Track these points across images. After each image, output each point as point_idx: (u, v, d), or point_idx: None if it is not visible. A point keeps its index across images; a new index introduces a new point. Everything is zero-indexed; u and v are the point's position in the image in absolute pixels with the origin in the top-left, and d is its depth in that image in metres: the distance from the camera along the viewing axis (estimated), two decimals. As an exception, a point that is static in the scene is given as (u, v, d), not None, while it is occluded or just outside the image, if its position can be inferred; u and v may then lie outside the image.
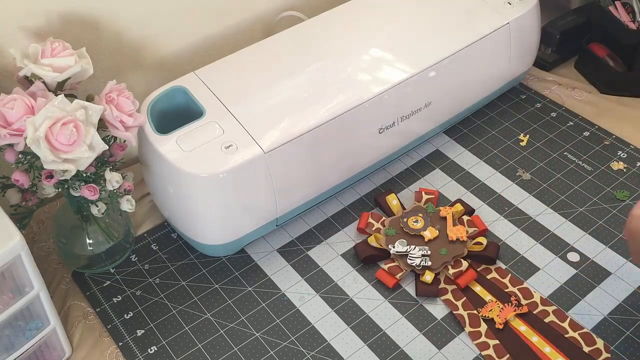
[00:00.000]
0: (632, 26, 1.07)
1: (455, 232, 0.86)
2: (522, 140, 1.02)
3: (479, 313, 0.79)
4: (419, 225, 0.87)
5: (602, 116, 1.05)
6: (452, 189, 0.95)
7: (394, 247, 0.85)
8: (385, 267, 0.84)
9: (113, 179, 0.74)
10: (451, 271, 0.83)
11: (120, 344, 0.79)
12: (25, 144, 0.68)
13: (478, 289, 0.82)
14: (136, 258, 0.88)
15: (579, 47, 1.14)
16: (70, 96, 0.72)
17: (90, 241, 0.85)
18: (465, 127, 1.05)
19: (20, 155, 0.72)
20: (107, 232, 0.84)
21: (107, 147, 0.71)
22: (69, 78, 0.74)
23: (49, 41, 0.73)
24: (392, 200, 0.92)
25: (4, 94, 0.70)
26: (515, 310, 0.78)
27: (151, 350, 0.78)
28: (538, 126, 1.05)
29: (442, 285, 0.83)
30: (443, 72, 0.93)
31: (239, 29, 1.03)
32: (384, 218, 0.90)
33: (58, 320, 0.74)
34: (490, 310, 0.78)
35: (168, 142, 0.79)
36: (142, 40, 0.93)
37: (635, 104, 1.07)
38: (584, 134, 1.03)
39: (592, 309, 0.80)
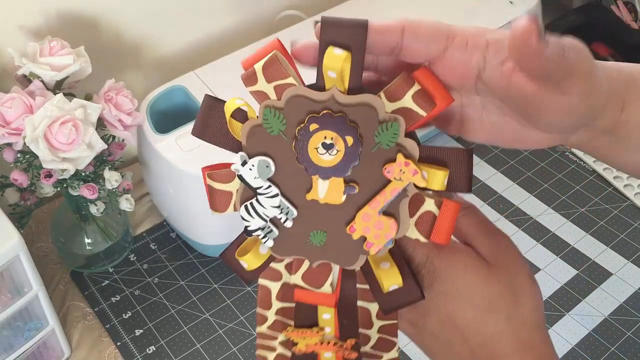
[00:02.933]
0: (635, 26, 1.06)
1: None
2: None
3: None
4: (329, 157, 0.34)
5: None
6: (453, 189, 0.95)
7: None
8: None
9: (112, 178, 0.74)
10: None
11: (118, 343, 0.78)
12: (24, 143, 0.68)
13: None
14: (135, 257, 0.88)
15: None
16: (69, 95, 0.72)
17: (89, 240, 0.84)
18: (466, 127, 1.04)
19: (18, 155, 0.71)
20: (105, 231, 0.84)
21: (106, 146, 0.71)
22: (67, 77, 0.73)
23: (47, 40, 0.73)
24: None
25: (3, 93, 0.69)
26: (340, 351, 0.40)
27: (150, 350, 0.78)
28: (539, 126, 1.04)
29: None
30: (444, 72, 0.92)
31: (239, 28, 1.03)
32: None
33: (57, 320, 0.74)
34: (305, 338, 0.41)
35: (167, 141, 0.79)
36: (141, 39, 0.93)
37: (637, 104, 1.07)
38: (585, 133, 1.03)
39: (592, 310, 0.80)
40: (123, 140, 0.77)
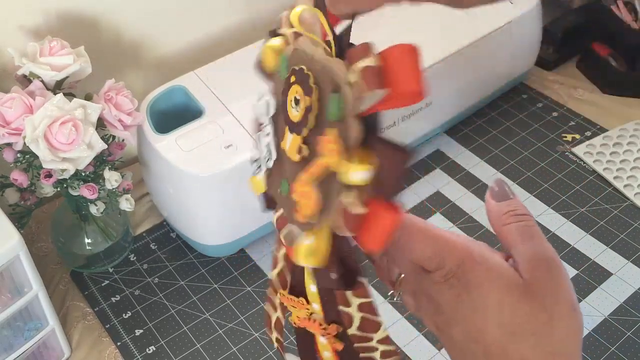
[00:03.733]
0: (635, 25, 1.06)
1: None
2: (566, 137, 1.02)
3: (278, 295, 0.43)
4: (296, 113, 0.34)
5: (603, 116, 1.05)
6: (453, 189, 0.95)
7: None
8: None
9: (112, 178, 0.74)
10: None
11: (118, 343, 0.78)
12: (24, 143, 0.68)
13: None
14: (135, 257, 0.88)
15: (580, 47, 1.14)
16: (69, 95, 0.72)
17: (89, 240, 0.84)
18: (466, 127, 1.04)
19: (18, 155, 0.71)
20: (105, 231, 0.84)
21: (106, 146, 0.71)
22: (67, 77, 0.73)
23: (47, 40, 0.73)
24: None
25: (3, 93, 0.70)
26: (327, 336, 0.40)
27: (150, 350, 0.78)
28: (539, 126, 1.04)
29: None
30: (443, 72, 0.92)
31: (239, 28, 1.03)
32: None
33: (57, 320, 0.74)
34: (294, 308, 0.41)
35: (167, 141, 0.79)
36: (141, 39, 0.93)
37: (637, 104, 1.07)
38: (586, 133, 1.03)
39: (593, 310, 0.80)
40: (123, 140, 0.77)
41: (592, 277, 0.83)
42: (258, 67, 0.38)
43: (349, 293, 0.36)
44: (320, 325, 0.39)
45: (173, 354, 0.77)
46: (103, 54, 0.88)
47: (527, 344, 0.33)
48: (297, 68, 0.32)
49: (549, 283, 0.34)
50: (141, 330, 0.80)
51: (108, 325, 0.80)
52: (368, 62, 0.29)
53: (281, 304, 0.42)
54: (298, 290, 0.40)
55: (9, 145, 0.70)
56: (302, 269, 0.39)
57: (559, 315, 0.33)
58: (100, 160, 0.74)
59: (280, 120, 0.35)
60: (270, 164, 0.36)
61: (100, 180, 0.74)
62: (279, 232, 0.38)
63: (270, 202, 0.39)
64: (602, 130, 1.03)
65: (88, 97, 0.73)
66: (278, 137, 0.36)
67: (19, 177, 0.72)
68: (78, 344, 0.79)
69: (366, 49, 0.29)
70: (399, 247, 0.35)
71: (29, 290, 0.68)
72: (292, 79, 0.32)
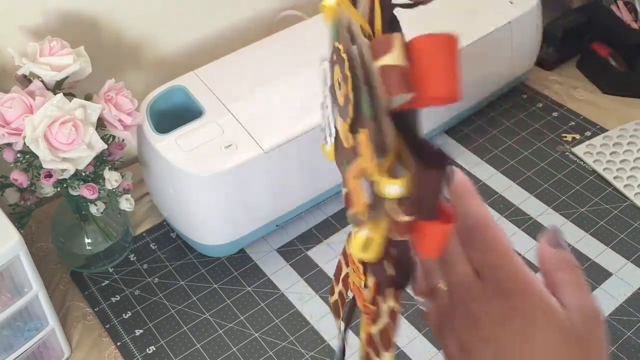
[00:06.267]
0: (635, 25, 1.06)
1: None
2: (566, 137, 1.02)
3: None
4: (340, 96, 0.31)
5: (603, 116, 1.05)
6: (453, 189, 0.95)
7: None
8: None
9: (112, 178, 0.74)
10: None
11: (118, 343, 0.78)
12: (24, 143, 0.68)
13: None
14: (135, 257, 0.88)
15: (580, 47, 1.14)
16: (69, 95, 0.72)
17: (89, 240, 0.84)
18: (466, 127, 1.04)
19: (18, 155, 0.71)
20: (105, 231, 0.84)
21: (106, 146, 0.71)
22: (67, 77, 0.73)
23: (47, 40, 0.73)
24: None
25: (3, 93, 0.69)
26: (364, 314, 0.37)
27: (150, 350, 0.78)
28: (539, 126, 1.04)
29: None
30: (444, 72, 0.92)
31: (239, 28, 1.03)
32: None
33: (57, 320, 0.74)
34: (353, 272, 0.38)
35: (167, 141, 0.79)
36: (141, 39, 0.93)
37: (637, 104, 1.07)
38: (586, 133, 1.03)
39: (593, 310, 0.80)
40: (123, 140, 0.77)
41: (592, 277, 0.83)
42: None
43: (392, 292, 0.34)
44: (365, 301, 0.35)
45: (173, 354, 0.77)
46: (103, 54, 0.88)
47: None
48: (337, 45, 0.27)
49: (597, 337, 0.33)
50: (141, 330, 0.80)
51: (108, 325, 0.80)
52: (389, 59, 0.24)
53: (346, 278, 0.39)
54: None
55: (9, 145, 0.70)
56: None
57: None
58: (100, 160, 0.74)
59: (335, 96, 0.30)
60: (331, 140, 0.31)
61: (100, 180, 0.74)
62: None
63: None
64: (602, 130, 1.03)
65: (88, 97, 0.73)
66: (335, 112, 0.31)
67: (19, 177, 0.72)
68: (78, 344, 0.79)
69: (388, 41, 0.24)
70: (470, 247, 0.33)
71: (29, 290, 0.68)
72: (334, 57, 0.27)
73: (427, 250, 0.27)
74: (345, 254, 0.39)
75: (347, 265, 0.39)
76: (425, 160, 0.25)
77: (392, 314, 0.34)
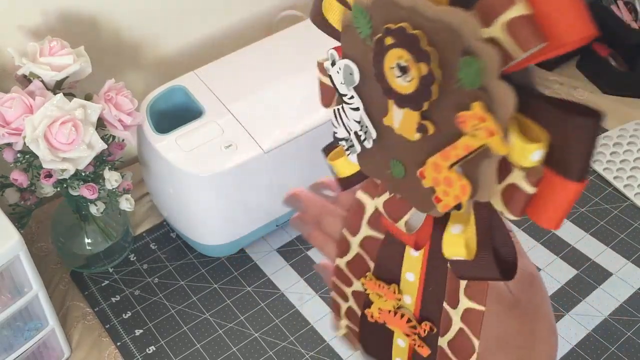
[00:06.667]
0: (635, 25, 1.06)
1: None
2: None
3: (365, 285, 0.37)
4: (404, 83, 0.26)
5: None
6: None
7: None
8: None
9: (112, 178, 0.74)
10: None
11: (118, 343, 0.78)
12: (24, 143, 0.68)
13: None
14: (135, 257, 0.88)
15: (580, 47, 1.14)
16: (69, 95, 0.72)
17: (89, 240, 0.84)
18: (466, 127, 1.04)
19: (18, 155, 0.71)
20: (105, 231, 0.84)
21: (106, 146, 0.71)
22: (67, 77, 0.73)
23: (47, 40, 0.73)
24: None
25: (3, 93, 0.69)
26: (412, 336, 0.35)
27: (150, 350, 0.78)
28: (539, 126, 1.04)
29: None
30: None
31: (239, 28, 1.03)
32: None
33: (57, 320, 0.74)
34: (380, 297, 0.36)
35: (167, 141, 0.79)
36: (141, 39, 0.93)
37: (637, 104, 1.07)
38: (586, 133, 1.03)
39: (593, 310, 0.80)
40: (123, 140, 0.77)
41: (592, 277, 0.83)
42: (316, 18, 0.29)
43: (462, 290, 0.31)
44: (409, 322, 0.33)
45: (173, 354, 0.77)
46: (103, 54, 0.88)
47: (512, 357, 0.33)
48: (393, 27, 0.25)
49: (532, 299, 0.34)
50: (141, 330, 0.80)
51: (108, 325, 0.80)
52: (516, 11, 0.22)
53: (355, 293, 0.36)
54: (386, 278, 0.34)
55: (9, 145, 0.70)
56: (396, 253, 0.33)
57: (541, 333, 0.33)
58: (100, 160, 0.74)
59: (369, 90, 0.28)
60: (370, 144, 0.29)
61: (100, 180, 0.74)
62: (388, 219, 0.31)
63: (347, 184, 0.33)
64: (602, 130, 1.03)
65: (88, 97, 0.73)
66: (371, 110, 0.28)
67: (19, 177, 0.72)
68: (78, 344, 0.79)
69: None
70: None
71: (29, 290, 0.68)
72: (388, 40, 0.25)
73: (550, 221, 0.25)
74: (340, 291, 0.38)
75: (347, 299, 0.38)
76: (571, 111, 0.23)
77: (471, 316, 0.31)
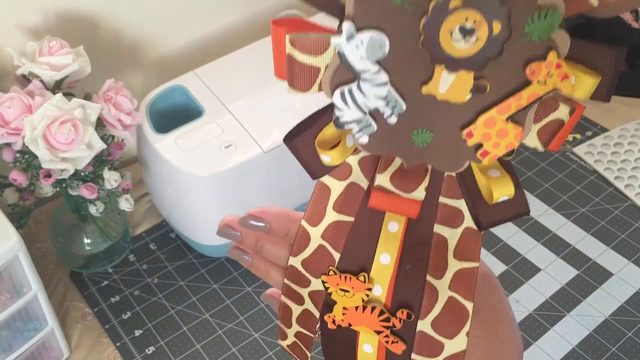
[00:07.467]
0: (635, 25, 1.06)
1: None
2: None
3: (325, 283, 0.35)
4: (465, 45, 0.26)
5: (604, 116, 1.05)
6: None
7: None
8: None
9: (111, 178, 0.74)
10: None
11: (118, 344, 0.78)
12: (23, 143, 0.68)
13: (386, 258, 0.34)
14: (134, 258, 0.88)
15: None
16: (68, 95, 0.72)
17: (88, 241, 0.84)
18: (467, 127, 1.04)
19: (17, 155, 0.71)
20: (105, 231, 0.84)
21: (105, 146, 0.71)
22: (66, 76, 0.73)
23: (46, 39, 0.73)
24: None
25: (2, 93, 0.69)
26: (384, 332, 0.33)
27: (149, 350, 0.78)
28: (540, 126, 1.04)
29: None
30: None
31: (239, 27, 1.03)
32: None
33: (56, 321, 0.73)
34: (347, 291, 0.34)
35: (167, 141, 0.79)
36: (140, 38, 0.93)
37: (638, 104, 1.07)
38: (587, 133, 1.02)
39: (593, 310, 0.80)
40: (122, 140, 0.77)
41: (592, 277, 0.83)
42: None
43: (451, 251, 0.31)
44: (381, 314, 0.32)
45: (173, 354, 0.77)
46: (103, 53, 0.88)
47: None
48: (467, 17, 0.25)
49: (493, 303, 0.33)
50: (141, 331, 0.80)
51: (107, 326, 0.80)
52: None
53: (313, 294, 0.34)
54: (354, 268, 0.33)
55: (8, 145, 0.70)
56: (370, 234, 0.32)
57: (503, 336, 0.33)
58: (100, 160, 0.74)
59: (396, 61, 0.27)
60: (395, 119, 0.28)
61: (100, 180, 0.74)
62: (395, 192, 0.31)
63: (324, 172, 0.32)
64: (603, 130, 1.03)
65: (87, 97, 0.73)
66: (399, 82, 0.28)
67: (18, 177, 0.72)
68: (77, 344, 0.78)
69: None
70: None
71: (28, 291, 0.68)
72: (454, 2, 0.25)
73: (558, 144, 0.28)
74: (293, 294, 0.35)
75: (302, 302, 0.36)
76: (602, 46, 0.27)
77: (462, 278, 0.31)
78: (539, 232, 0.89)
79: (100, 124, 0.73)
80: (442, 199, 0.31)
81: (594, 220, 0.90)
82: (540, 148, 0.28)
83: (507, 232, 0.89)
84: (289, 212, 0.36)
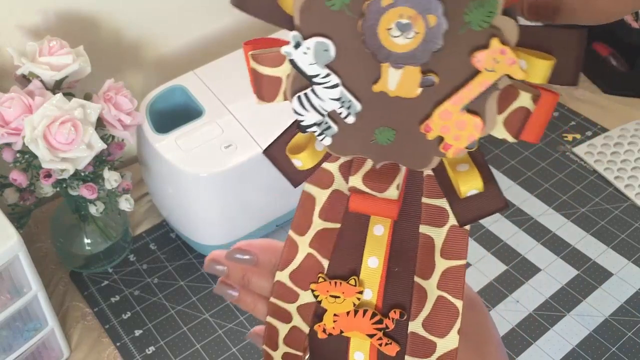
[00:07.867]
0: (635, 25, 1.06)
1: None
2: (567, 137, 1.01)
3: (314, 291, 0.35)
4: (405, 41, 0.27)
5: (604, 116, 1.05)
6: (453, 189, 0.95)
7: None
8: None
9: (111, 178, 0.74)
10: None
11: (118, 344, 0.78)
12: (23, 143, 0.68)
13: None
14: (134, 258, 0.88)
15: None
16: (68, 95, 0.72)
17: (88, 241, 0.84)
18: (467, 127, 1.04)
19: (18, 155, 0.71)
20: (105, 231, 0.84)
21: (105, 146, 0.71)
22: (66, 76, 0.73)
23: (46, 39, 0.73)
24: None
25: (2, 93, 0.69)
26: (377, 335, 0.33)
27: (149, 350, 0.78)
28: (540, 126, 1.04)
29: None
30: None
31: (239, 27, 1.03)
32: None
33: (56, 321, 0.73)
34: (337, 297, 0.33)
35: (167, 141, 0.79)
36: (140, 38, 0.93)
37: (638, 104, 1.07)
38: (587, 133, 1.02)
39: (593, 310, 0.80)
40: (122, 140, 0.77)
41: (592, 277, 0.83)
42: (275, 8, 0.29)
43: (438, 251, 0.32)
44: (374, 317, 0.32)
45: (173, 354, 0.77)
46: (103, 53, 0.88)
47: None
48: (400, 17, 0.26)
49: (478, 323, 0.34)
50: (141, 331, 0.80)
51: (107, 326, 0.80)
52: None
53: (302, 307, 0.34)
54: (343, 273, 0.33)
55: (8, 145, 0.70)
56: (357, 239, 0.33)
57: (489, 357, 0.33)
58: (100, 160, 0.74)
59: (344, 63, 0.28)
60: (353, 118, 0.29)
61: (100, 180, 0.74)
62: (371, 193, 0.31)
63: (302, 178, 0.33)
64: (603, 130, 1.03)
65: (87, 97, 0.73)
66: (348, 83, 0.29)
67: (18, 177, 0.72)
68: (77, 344, 0.78)
69: None
70: None
71: (28, 291, 0.68)
72: (386, 1, 0.26)
73: (536, 135, 0.28)
74: (280, 312, 0.35)
75: (289, 320, 0.35)
76: (559, 28, 0.26)
77: (449, 276, 0.32)
78: (539, 232, 0.89)
79: (100, 124, 0.73)
80: (424, 199, 0.31)
81: (594, 220, 0.90)
82: (510, 139, 0.28)
83: (507, 232, 0.89)
84: (275, 244, 0.36)
